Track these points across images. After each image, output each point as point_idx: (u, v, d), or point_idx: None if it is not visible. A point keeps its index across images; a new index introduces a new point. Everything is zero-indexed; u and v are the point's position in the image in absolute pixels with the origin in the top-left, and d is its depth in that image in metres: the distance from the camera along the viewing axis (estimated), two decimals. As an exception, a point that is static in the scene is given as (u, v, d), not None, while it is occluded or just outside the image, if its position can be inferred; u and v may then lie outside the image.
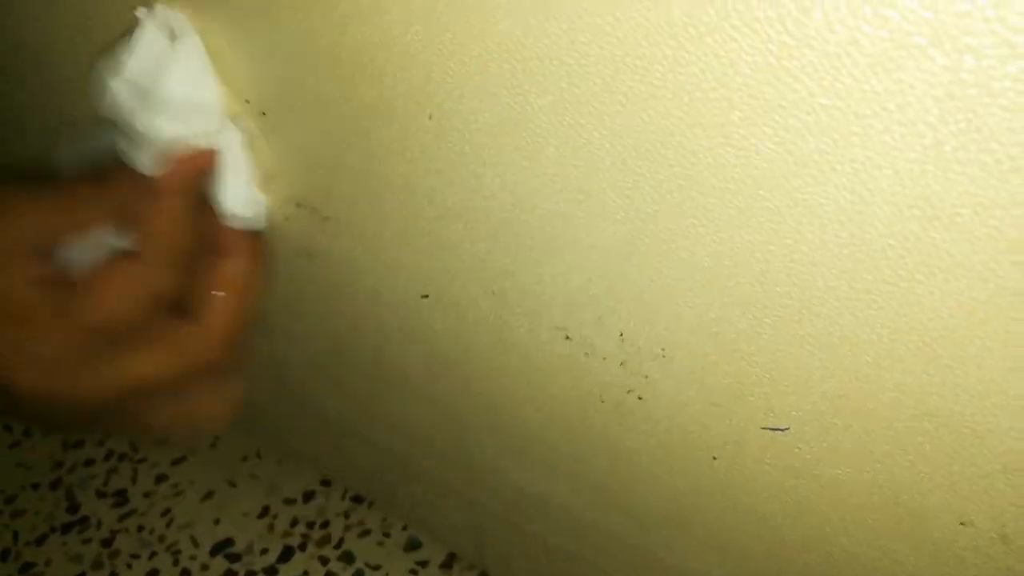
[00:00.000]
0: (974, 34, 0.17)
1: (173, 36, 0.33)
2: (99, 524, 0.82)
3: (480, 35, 0.24)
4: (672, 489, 0.37)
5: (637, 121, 0.23)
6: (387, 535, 0.79)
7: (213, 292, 0.33)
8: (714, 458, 0.33)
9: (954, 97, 0.19)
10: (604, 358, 0.33)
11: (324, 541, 0.79)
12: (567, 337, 0.33)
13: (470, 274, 0.33)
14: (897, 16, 0.18)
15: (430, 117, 0.27)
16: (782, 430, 0.30)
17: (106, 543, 0.80)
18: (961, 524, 0.28)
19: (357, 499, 0.82)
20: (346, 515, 0.81)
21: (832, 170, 0.22)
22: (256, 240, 0.35)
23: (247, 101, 0.33)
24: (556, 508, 0.50)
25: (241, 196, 0.35)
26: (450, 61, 0.25)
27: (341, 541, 0.79)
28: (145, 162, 0.32)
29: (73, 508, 0.83)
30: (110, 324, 0.31)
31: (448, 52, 0.25)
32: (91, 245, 0.33)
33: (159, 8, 0.33)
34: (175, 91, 0.32)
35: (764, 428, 0.30)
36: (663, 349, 0.30)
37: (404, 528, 0.79)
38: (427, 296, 0.37)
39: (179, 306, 0.33)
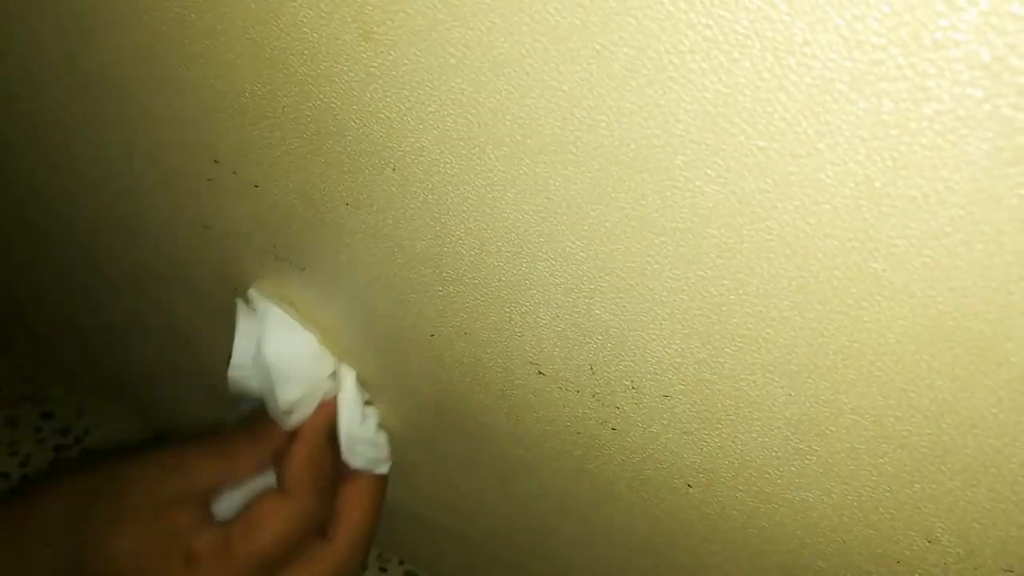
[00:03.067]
0: (889, 79, 0.19)
1: (260, 313, 0.38)
2: None
3: (434, 92, 0.25)
4: (651, 518, 0.38)
5: (589, 169, 0.24)
6: (384, 570, 0.79)
7: (344, 512, 0.39)
8: (689, 486, 0.34)
9: (878, 137, 0.20)
10: (578, 391, 0.33)
11: (320, 581, 0.79)
12: (540, 372, 0.34)
13: (442, 317, 0.34)
14: (819, 65, 0.19)
15: (393, 169, 0.28)
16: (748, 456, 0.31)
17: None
18: (928, 542, 0.29)
19: (352, 537, 0.82)
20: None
21: (774, 208, 0.23)
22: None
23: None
24: (542, 540, 0.50)
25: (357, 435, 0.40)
26: (408, 117, 0.26)
27: (338, 580, 0.79)
28: (286, 418, 0.38)
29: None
30: (268, 555, 0.34)
31: (405, 109, 0.26)
32: (243, 490, 0.37)
33: (249, 293, 0.39)
34: (278, 358, 0.37)
35: (732, 455, 0.31)
36: (632, 381, 0.31)
37: (400, 563, 0.79)
38: (404, 340, 0.38)
39: (321, 531, 0.38)
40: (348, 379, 0.40)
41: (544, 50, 0.22)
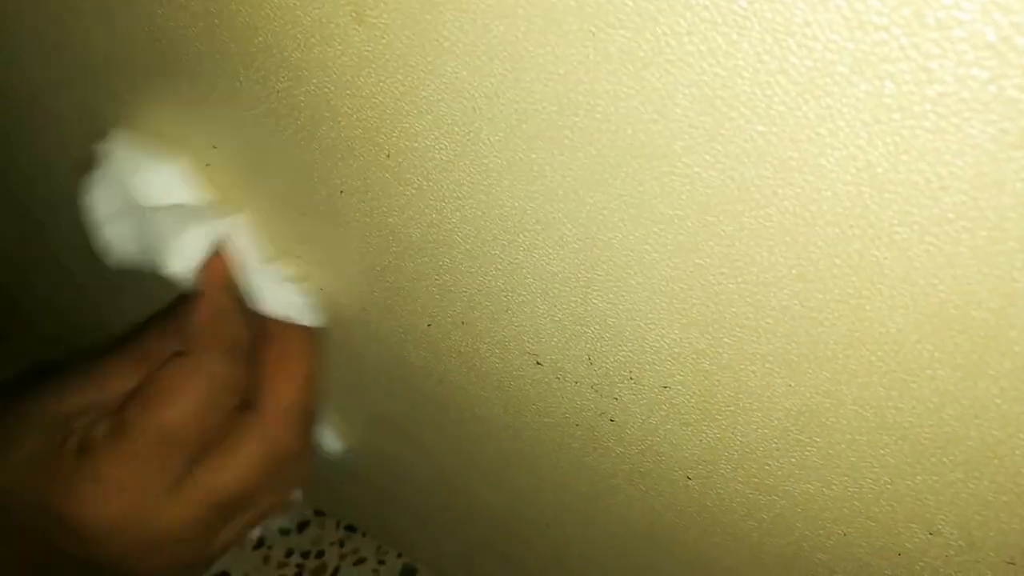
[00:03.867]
0: (891, 61, 0.18)
1: (134, 156, 0.33)
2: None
3: (428, 76, 0.24)
4: (650, 511, 0.38)
5: (585, 154, 0.24)
6: (382, 563, 0.79)
7: (269, 379, 0.33)
8: (688, 478, 0.33)
9: (880, 121, 0.19)
10: (576, 382, 0.33)
11: (319, 571, 0.79)
12: (538, 363, 0.33)
13: (438, 306, 0.34)
14: (820, 47, 0.19)
15: (388, 156, 0.28)
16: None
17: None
18: (930, 534, 0.28)
19: (351, 528, 0.82)
20: (340, 544, 0.81)
21: (774, 194, 0.22)
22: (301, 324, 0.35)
23: (208, 165, 0.33)
24: (540, 533, 0.50)
25: (266, 281, 0.34)
26: (402, 102, 0.26)
27: (336, 570, 0.79)
28: (181, 276, 0.32)
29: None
30: (174, 432, 0.29)
31: (399, 94, 0.26)
32: None
33: (113, 135, 0.34)
34: (157, 202, 0.32)
35: (732, 446, 0.30)
36: (630, 372, 0.31)
37: (399, 556, 0.79)
38: (400, 329, 0.37)
39: (245, 404, 0.33)
40: (237, 219, 0.34)
41: (539, 33, 0.22)
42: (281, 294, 0.35)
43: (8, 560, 0.32)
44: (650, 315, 0.28)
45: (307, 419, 0.34)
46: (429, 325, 0.36)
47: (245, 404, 0.32)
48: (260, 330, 0.33)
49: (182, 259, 0.31)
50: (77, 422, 0.29)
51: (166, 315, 0.33)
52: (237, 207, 0.35)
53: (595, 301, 0.29)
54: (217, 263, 0.32)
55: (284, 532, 0.82)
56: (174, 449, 0.29)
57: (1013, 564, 0.28)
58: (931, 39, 0.17)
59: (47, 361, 0.42)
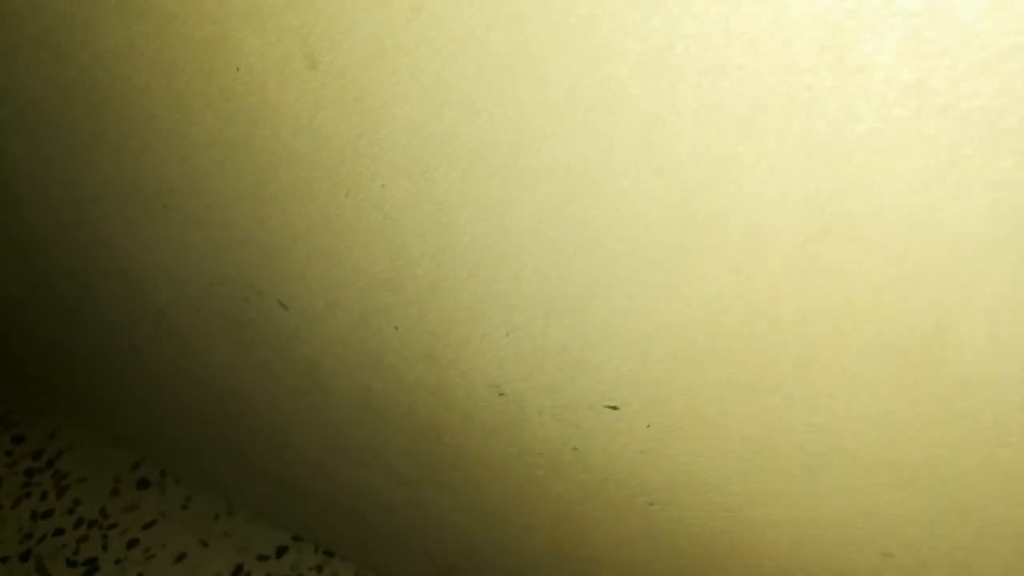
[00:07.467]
0: (820, 102, 0.19)
1: None
2: (69, 597, 0.80)
3: (384, 117, 0.25)
4: (616, 537, 0.38)
5: (540, 191, 0.25)
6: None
7: None
8: (650, 504, 0.34)
9: (813, 156, 0.20)
10: (539, 412, 0.34)
11: (299, 596, 0.79)
12: (501, 393, 0.34)
13: (402, 340, 0.34)
14: (755, 89, 0.20)
15: (347, 195, 0.29)
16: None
17: (76, 617, 0.79)
18: (884, 555, 0.29)
19: (329, 553, 0.81)
20: (319, 568, 0.81)
21: (721, 227, 0.23)
22: None
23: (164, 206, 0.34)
24: (510, 559, 0.50)
25: None
26: (359, 142, 0.26)
27: (315, 596, 0.78)
28: None
29: (43, 581, 0.82)
30: None
31: (356, 135, 0.26)
32: None
33: None
34: None
35: (691, 471, 0.31)
36: (589, 401, 0.31)
37: (377, 585, 0.79)
38: (369, 362, 0.38)
39: None
40: None
41: (488, 79, 0.22)
42: None
43: None
44: (606, 345, 0.28)
45: None
46: (394, 357, 0.36)
47: None
48: None
49: None
50: None
51: None
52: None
53: (554, 333, 0.30)
54: None
55: (263, 558, 0.81)
56: None
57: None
58: (854, 82, 0.18)
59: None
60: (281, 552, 0.82)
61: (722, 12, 0.19)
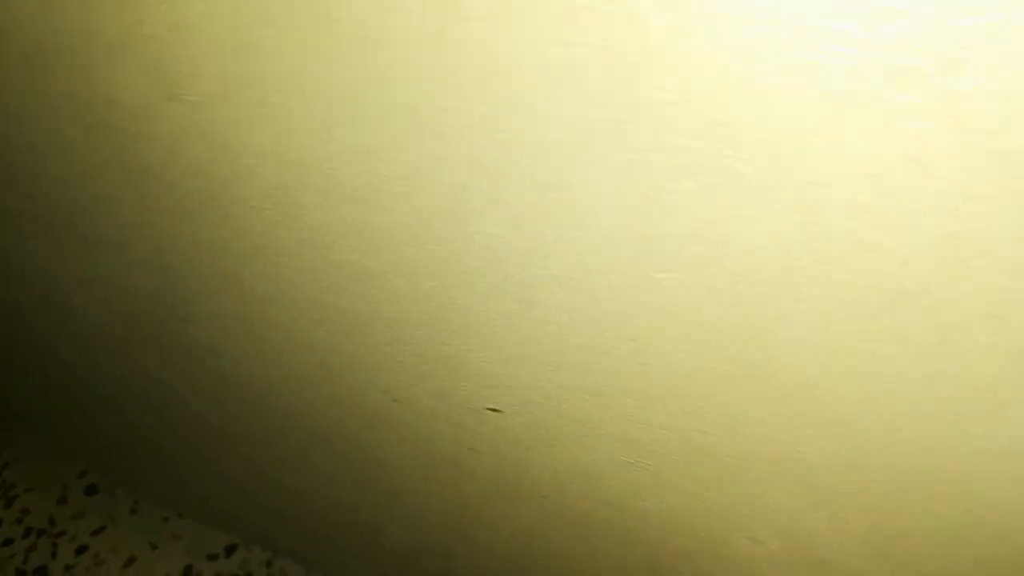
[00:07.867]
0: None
1: None
2: (19, 606, 0.80)
3: (247, 145, 0.26)
4: (526, 530, 0.39)
5: (397, 212, 0.26)
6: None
7: None
8: (543, 496, 0.35)
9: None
10: (432, 416, 0.35)
11: (248, 594, 0.80)
12: (394, 400, 0.35)
13: (293, 353, 0.35)
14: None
15: (226, 216, 0.29)
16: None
17: (27, 625, 0.79)
18: (751, 541, 0.31)
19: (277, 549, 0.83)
20: (268, 564, 0.82)
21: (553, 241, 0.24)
22: None
23: None
24: (435, 557, 0.51)
25: None
26: (226, 169, 0.27)
27: (264, 593, 0.80)
28: None
29: (-9, 591, 0.82)
30: None
31: (223, 162, 0.27)
32: None
33: None
34: None
35: (573, 467, 0.32)
36: (474, 405, 0.32)
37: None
38: (270, 378, 0.39)
39: None
40: None
41: (340, 109, 0.23)
42: None
43: None
44: (482, 353, 0.30)
45: None
46: (288, 371, 0.37)
47: None
48: None
49: None
50: None
51: None
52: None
53: (435, 343, 0.31)
54: None
55: (212, 557, 0.82)
56: None
57: (825, 564, 0.30)
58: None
59: None
60: (230, 550, 0.83)
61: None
